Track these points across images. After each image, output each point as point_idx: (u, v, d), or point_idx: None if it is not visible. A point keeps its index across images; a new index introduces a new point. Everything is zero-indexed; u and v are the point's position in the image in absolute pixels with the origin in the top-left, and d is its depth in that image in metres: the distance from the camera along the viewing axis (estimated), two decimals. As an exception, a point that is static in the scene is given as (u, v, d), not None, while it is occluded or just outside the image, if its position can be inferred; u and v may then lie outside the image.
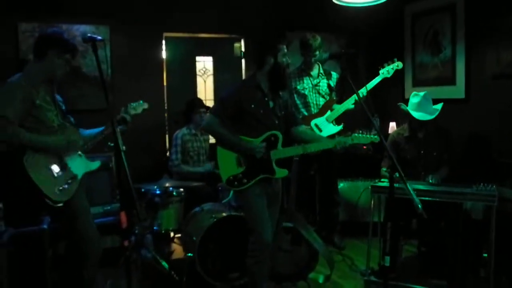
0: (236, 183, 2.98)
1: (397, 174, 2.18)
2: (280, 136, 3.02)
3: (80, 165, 2.89)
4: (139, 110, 3.27)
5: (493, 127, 4.18)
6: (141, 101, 3.30)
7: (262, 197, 3.02)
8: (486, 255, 3.46)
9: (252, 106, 2.94)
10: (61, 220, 2.92)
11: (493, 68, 4.19)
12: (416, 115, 3.64)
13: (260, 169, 2.98)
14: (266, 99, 3.02)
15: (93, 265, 2.96)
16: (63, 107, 2.98)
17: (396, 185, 2.53)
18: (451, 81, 4.64)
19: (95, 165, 3.02)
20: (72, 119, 3.03)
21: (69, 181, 2.79)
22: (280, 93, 3.11)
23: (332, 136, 3.54)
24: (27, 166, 2.63)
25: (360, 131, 2.88)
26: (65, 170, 2.79)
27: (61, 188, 2.72)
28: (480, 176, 3.51)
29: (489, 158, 4.12)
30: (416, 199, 2.05)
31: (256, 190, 2.99)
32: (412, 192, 2.05)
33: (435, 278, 3.60)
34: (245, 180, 2.96)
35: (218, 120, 2.97)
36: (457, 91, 4.57)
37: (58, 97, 2.96)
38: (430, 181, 3.48)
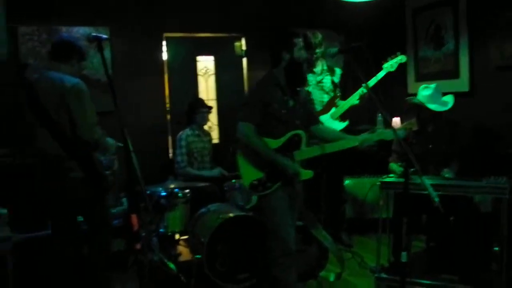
0: (260, 187, 2.84)
1: (412, 169, 2.15)
2: (304, 135, 2.86)
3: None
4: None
5: (499, 119, 4.15)
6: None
7: (286, 200, 2.88)
8: (497, 248, 3.43)
9: (276, 106, 2.80)
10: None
11: (497, 60, 4.16)
12: (432, 106, 3.60)
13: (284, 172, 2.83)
14: (285, 97, 2.87)
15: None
16: None
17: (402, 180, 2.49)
18: (455, 74, 4.62)
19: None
20: None
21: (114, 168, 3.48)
22: (298, 90, 2.96)
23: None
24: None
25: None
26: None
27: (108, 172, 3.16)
28: (487, 169, 3.48)
29: (496, 150, 4.09)
30: (433, 193, 2.01)
31: (280, 193, 2.84)
32: (428, 186, 2.02)
33: (446, 273, 3.57)
34: (269, 184, 2.82)
35: (253, 127, 2.79)
36: (461, 84, 4.54)
37: None
38: (446, 175, 3.43)
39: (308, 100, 3.08)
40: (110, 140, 3.09)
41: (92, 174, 2.85)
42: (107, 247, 3.09)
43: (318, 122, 3.10)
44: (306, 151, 2.85)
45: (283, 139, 2.82)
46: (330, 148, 2.86)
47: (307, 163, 2.97)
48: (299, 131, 2.85)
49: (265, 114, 2.80)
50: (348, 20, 5.22)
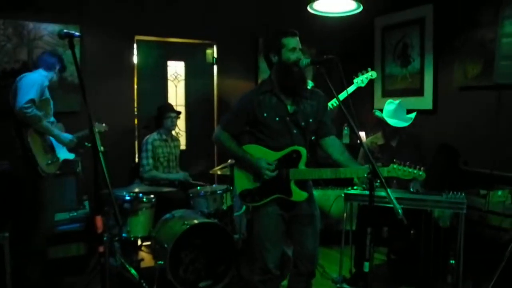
0: (248, 198, 2.70)
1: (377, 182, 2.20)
2: (304, 153, 2.61)
3: (62, 152, 3.63)
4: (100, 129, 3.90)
5: (460, 137, 4.31)
6: (103, 124, 3.97)
7: (275, 218, 2.67)
8: (453, 261, 3.54)
9: (265, 115, 2.61)
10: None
11: (460, 81, 4.33)
12: (391, 121, 3.70)
13: (276, 188, 2.64)
14: (283, 104, 2.64)
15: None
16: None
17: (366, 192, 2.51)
18: (419, 92, 4.78)
19: (71, 156, 3.74)
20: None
21: (54, 160, 3.53)
22: (303, 95, 2.68)
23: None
24: (30, 142, 3.33)
25: (400, 162, 2.46)
26: (53, 152, 3.57)
27: (49, 162, 3.46)
28: (447, 184, 3.60)
29: (456, 167, 4.24)
30: (397, 205, 2.06)
31: (269, 209, 2.66)
32: (393, 198, 2.07)
33: (405, 285, 3.66)
34: (258, 198, 2.67)
35: (228, 135, 2.71)
36: (425, 102, 4.69)
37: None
38: (412, 189, 3.51)
39: (320, 108, 2.72)
40: (66, 135, 3.57)
41: (24, 153, 3.30)
42: (38, 249, 3.27)
43: (330, 134, 2.75)
44: (303, 172, 2.61)
45: (280, 153, 2.63)
46: (330, 174, 2.58)
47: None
48: (300, 148, 2.62)
49: (255, 123, 2.66)
50: (319, 34, 5.32)
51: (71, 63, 4.22)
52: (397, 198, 2.09)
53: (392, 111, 3.76)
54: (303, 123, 2.65)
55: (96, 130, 3.34)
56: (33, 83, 3.37)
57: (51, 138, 3.54)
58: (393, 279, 3.80)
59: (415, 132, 3.92)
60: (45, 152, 3.45)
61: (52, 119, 3.58)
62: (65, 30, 2.17)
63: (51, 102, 3.57)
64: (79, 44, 4.35)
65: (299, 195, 2.62)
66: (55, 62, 3.63)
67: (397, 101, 3.79)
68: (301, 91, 2.67)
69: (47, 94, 3.50)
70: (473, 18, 4.16)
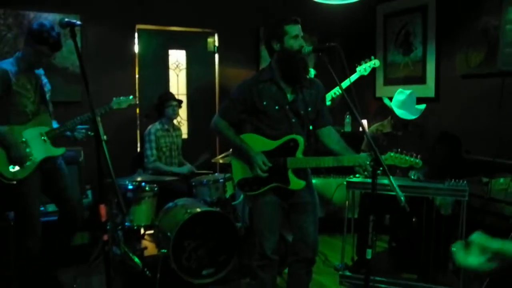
0: (247, 187, 2.70)
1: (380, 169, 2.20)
2: (301, 141, 2.59)
3: (42, 149, 3.03)
4: (124, 105, 3.37)
5: (462, 125, 4.31)
6: (130, 97, 3.41)
7: (273, 206, 2.69)
8: (455, 249, 3.56)
9: (265, 103, 2.59)
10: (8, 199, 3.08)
11: (462, 68, 4.31)
12: (399, 112, 3.66)
13: (273, 177, 2.63)
14: (283, 92, 2.62)
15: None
16: (47, 96, 3.18)
17: (368, 180, 2.51)
18: (421, 80, 4.76)
19: (58, 151, 3.14)
20: (50, 108, 3.22)
21: (24, 162, 2.96)
22: (303, 84, 2.66)
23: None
24: None
25: (396, 150, 2.48)
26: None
27: (13, 167, 2.91)
28: (449, 172, 3.60)
29: (458, 155, 4.24)
30: (400, 192, 2.07)
31: (267, 197, 2.67)
32: (395, 186, 2.07)
33: (406, 272, 3.69)
34: (255, 187, 2.66)
35: (225, 123, 2.71)
36: (427, 90, 4.68)
37: (47, 86, 3.20)
38: (412, 177, 3.51)
39: (319, 97, 2.72)
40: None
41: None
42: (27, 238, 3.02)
43: (326, 124, 2.76)
44: (301, 160, 2.60)
45: (277, 142, 2.62)
46: (328, 162, 2.58)
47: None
48: (297, 137, 2.60)
49: (254, 112, 2.65)
50: (320, 22, 5.29)
51: (72, 53, 4.22)
52: (399, 186, 2.10)
53: (402, 102, 3.71)
54: (302, 112, 2.64)
55: (119, 106, 3.32)
56: None
57: (27, 134, 2.99)
58: (395, 267, 3.82)
59: (421, 122, 3.90)
60: (7, 156, 2.90)
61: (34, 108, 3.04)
62: (66, 19, 2.16)
63: (32, 92, 3.03)
64: (80, 33, 4.33)
65: (297, 183, 2.62)
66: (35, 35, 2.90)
67: (407, 92, 3.74)
68: (302, 79, 2.65)
69: (18, 84, 2.94)
70: (476, 5, 4.13)
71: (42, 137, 3.04)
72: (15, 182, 2.90)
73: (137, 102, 4.86)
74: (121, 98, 3.36)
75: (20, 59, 2.96)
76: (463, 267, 1.24)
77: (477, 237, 1.25)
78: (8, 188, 2.92)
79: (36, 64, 2.99)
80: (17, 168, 2.90)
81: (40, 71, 3.16)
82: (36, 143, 2.99)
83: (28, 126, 2.99)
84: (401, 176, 3.68)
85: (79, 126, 3.15)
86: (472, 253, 1.24)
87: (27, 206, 3.00)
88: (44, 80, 3.19)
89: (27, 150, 2.95)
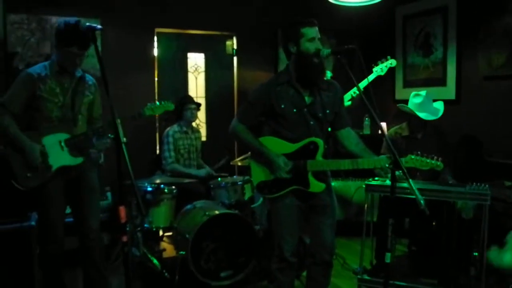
0: (266, 190, 2.69)
1: (399, 172, 2.18)
2: (321, 144, 2.58)
3: (59, 157, 2.87)
4: (158, 112, 3.04)
5: (484, 127, 4.23)
6: (165, 102, 3.06)
7: (292, 209, 2.67)
8: (477, 254, 3.50)
9: (282, 106, 2.58)
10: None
11: (484, 70, 4.24)
12: (422, 115, 3.63)
13: (293, 180, 2.62)
14: (300, 95, 2.61)
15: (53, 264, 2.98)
16: (87, 99, 2.98)
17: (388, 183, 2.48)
18: (442, 82, 4.70)
19: (76, 161, 2.92)
20: (95, 113, 3.08)
21: (40, 170, 2.82)
22: (321, 86, 2.65)
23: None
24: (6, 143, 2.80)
25: (417, 153, 2.43)
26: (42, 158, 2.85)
27: (29, 174, 2.80)
28: (471, 175, 3.54)
29: (480, 158, 4.17)
30: (419, 196, 2.04)
31: (286, 200, 2.65)
32: (415, 189, 2.05)
33: (426, 277, 3.63)
34: (275, 189, 2.65)
35: (244, 126, 2.69)
36: (448, 92, 4.62)
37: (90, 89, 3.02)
38: (450, 182, 3.45)
39: (337, 99, 2.71)
40: (35, 146, 2.81)
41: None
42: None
43: (345, 125, 2.74)
44: (321, 163, 2.58)
45: (297, 145, 2.61)
46: (348, 165, 2.55)
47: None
48: (317, 139, 2.59)
49: (272, 115, 2.64)
50: (339, 24, 5.28)
51: (92, 56, 4.27)
52: (419, 189, 2.08)
53: (419, 104, 3.68)
54: (320, 114, 2.63)
55: (152, 112, 2.99)
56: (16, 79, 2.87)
57: (46, 140, 2.86)
58: (414, 271, 3.77)
59: (439, 125, 3.85)
60: (25, 160, 2.81)
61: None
62: (87, 24, 2.19)
63: (61, 96, 2.86)
64: (100, 37, 4.40)
65: (317, 186, 2.61)
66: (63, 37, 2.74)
67: (423, 93, 3.71)
68: (319, 82, 2.63)
69: (45, 88, 2.82)
70: (498, 5, 4.06)
71: (61, 145, 2.88)
72: (26, 190, 2.81)
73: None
74: (157, 103, 3.04)
75: (53, 62, 2.86)
76: (499, 266, 1.21)
77: None
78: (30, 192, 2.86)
79: (69, 66, 2.84)
80: (30, 174, 2.80)
81: (89, 78, 3.04)
82: (54, 151, 2.85)
83: (50, 132, 2.87)
84: (421, 179, 3.64)
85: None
86: (508, 251, 1.21)
87: (44, 214, 2.90)
88: (90, 82, 3.03)
89: (44, 157, 2.82)
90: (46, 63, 2.90)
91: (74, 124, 2.92)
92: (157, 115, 2.97)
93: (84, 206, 3.01)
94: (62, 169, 2.88)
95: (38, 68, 2.85)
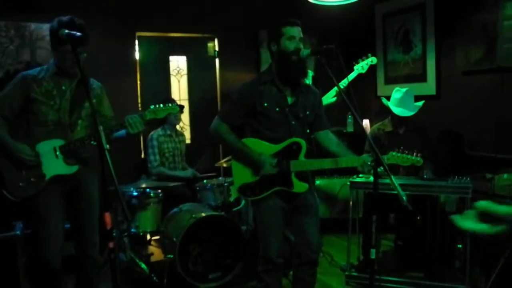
0: (248, 192, 2.68)
1: (381, 168, 2.21)
2: (304, 144, 2.61)
3: (52, 166, 2.68)
4: (161, 115, 2.74)
5: (464, 122, 4.30)
6: (170, 104, 2.76)
7: (276, 210, 2.67)
8: (460, 246, 3.56)
9: (265, 104, 2.59)
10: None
11: (462, 65, 4.31)
12: (396, 110, 3.69)
13: (276, 181, 2.62)
14: (283, 94, 2.63)
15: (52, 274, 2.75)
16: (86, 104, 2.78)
17: (371, 180, 2.52)
18: (422, 78, 4.76)
19: (70, 169, 2.72)
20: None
21: (32, 179, 2.64)
22: (302, 87, 2.68)
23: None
24: None
25: (398, 149, 2.50)
26: (35, 168, 2.65)
27: (21, 183, 2.61)
28: (453, 169, 3.61)
29: (461, 151, 4.24)
30: (401, 192, 2.08)
31: (270, 202, 2.66)
32: (397, 185, 2.08)
33: (412, 270, 3.69)
34: (258, 191, 2.65)
35: (226, 126, 2.68)
36: (428, 87, 4.68)
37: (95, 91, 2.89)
38: (425, 176, 3.50)
39: (317, 100, 2.77)
40: (24, 148, 2.63)
41: None
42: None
43: (325, 127, 2.80)
44: (304, 163, 2.61)
45: (280, 146, 2.62)
46: (331, 164, 2.60)
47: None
48: (299, 140, 2.62)
49: (254, 114, 2.63)
50: (320, 23, 5.31)
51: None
52: (402, 185, 2.12)
53: (399, 100, 3.74)
54: (301, 115, 2.66)
55: (155, 116, 2.66)
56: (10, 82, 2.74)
57: (41, 147, 2.67)
58: (401, 265, 3.82)
59: (421, 120, 3.91)
60: (17, 169, 2.64)
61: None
62: (66, 31, 2.19)
63: (58, 98, 2.71)
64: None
65: (300, 186, 2.63)
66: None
67: (404, 89, 3.77)
68: (301, 81, 2.66)
69: (41, 90, 2.67)
70: (475, 1, 4.13)
71: (55, 152, 2.68)
72: (18, 200, 2.63)
73: (140, 109, 4.90)
74: (161, 105, 2.74)
75: (51, 65, 2.73)
76: (464, 229, 1.24)
77: (483, 203, 1.24)
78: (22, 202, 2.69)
79: (68, 67, 2.69)
80: (22, 184, 2.62)
81: (93, 81, 2.94)
82: (48, 159, 2.66)
83: (45, 138, 2.68)
84: (404, 174, 3.70)
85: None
86: (468, 219, 1.24)
87: (40, 224, 2.69)
88: (94, 85, 2.93)
89: (37, 166, 2.64)
90: (45, 66, 2.79)
91: (71, 130, 2.73)
92: (161, 117, 2.75)
93: (83, 220, 2.84)
94: (58, 178, 2.70)
95: (34, 71, 2.73)
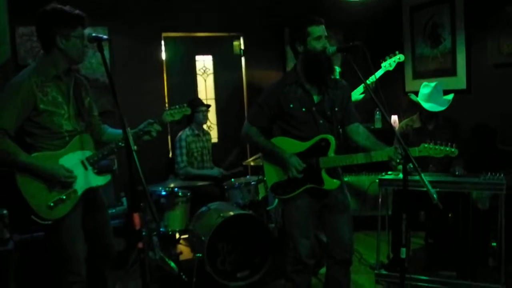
0: (280, 190, 2.68)
1: (410, 165, 2.17)
2: (333, 141, 2.57)
3: (84, 179, 2.46)
4: (178, 117, 2.69)
5: (496, 116, 4.18)
6: (184, 105, 2.71)
7: (305, 210, 2.66)
8: (495, 244, 3.46)
9: (291, 106, 2.59)
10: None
11: (494, 58, 4.19)
12: (427, 106, 3.61)
13: (307, 179, 2.61)
14: (308, 94, 2.62)
15: None
16: (86, 101, 2.58)
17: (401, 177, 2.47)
18: (452, 72, 4.65)
19: (102, 180, 2.54)
20: (95, 111, 2.68)
21: (64, 196, 2.37)
22: (328, 84, 2.64)
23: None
24: (17, 171, 2.30)
25: (430, 142, 2.44)
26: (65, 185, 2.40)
27: (52, 203, 2.34)
28: (485, 165, 3.50)
29: (493, 147, 4.12)
30: (432, 190, 2.03)
31: (298, 201, 2.64)
32: (427, 182, 2.04)
33: (444, 269, 3.60)
34: (289, 189, 2.65)
35: (255, 129, 2.70)
36: (458, 81, 4.57)
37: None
38: (456, 173, 3.42)
39: (345, 96, 2.71)
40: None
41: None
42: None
43: (353, 121, 2.73)
44: (334, 159, 2.57)
45: (309, 143, 2.60)
46: (360, 159, 2.54)
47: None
48: (328, 136, 2.58)
49: (281, 115, 2.64)
50: (345, 18, 5.25)
51: (100, 64, 4.33)
52: (433, 182, 2.07)
53: (428, 95, 3.66)
54: (328, 112, 2.63)
55: (173, 118, 2.63)
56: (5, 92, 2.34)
57: (65, 161, 2.41)
58: (433, 264, 3.74)
59: (452, 115, 3.81)
60: (48, 190, 2.36)
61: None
62: (93, 34, 2.23)
63: (65, 105, 2.43)
64: (108, 45, 4.44)
65: (331, 183, 2.59)
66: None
67: (432, 84, 3.69)
68: (328, 80, 2.63)
69: (49, 97, 2.37)
70: (506, -8, 4.01)
71: (84, 164, 2.47)
72: (50, 222, 2.37)
73: (167, 109, 4.95)
74: (177, 107, 2.70)
75: (44, 65, 2.41)
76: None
77: None
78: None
79: (80, 57, 2.52)
80: (53, 203, 2.35)
81: (79, 76, 2.62)
82: (77, 172, 2.42)
83: (66, 151, 2.42)
84: (434, 171, 3.61)
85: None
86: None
87: (66, 246, 2.45)
88: (84, 81, 2.65)
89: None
90: (29, 68, 2.46)
91: (92, 135, 2.57)
92: (178, 119, 2.70)
93: (103, 230, 2.69)
94: (85, 192, 2.48)
95: (29, 75, 2.37)
